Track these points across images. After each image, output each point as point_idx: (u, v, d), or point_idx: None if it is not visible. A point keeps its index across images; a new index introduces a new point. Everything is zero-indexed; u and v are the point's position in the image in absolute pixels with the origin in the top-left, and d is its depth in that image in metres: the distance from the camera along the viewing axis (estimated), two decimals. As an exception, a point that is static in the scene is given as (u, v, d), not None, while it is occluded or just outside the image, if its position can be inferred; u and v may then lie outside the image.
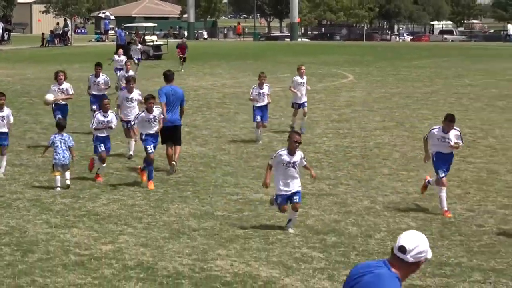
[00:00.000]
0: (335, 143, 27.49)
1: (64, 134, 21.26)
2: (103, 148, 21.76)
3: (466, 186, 21.09)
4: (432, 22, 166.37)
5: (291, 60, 69.91)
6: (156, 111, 21.48)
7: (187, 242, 15.61)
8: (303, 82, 30.02)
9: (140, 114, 21.75)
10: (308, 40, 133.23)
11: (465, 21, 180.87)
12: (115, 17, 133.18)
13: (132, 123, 22.30)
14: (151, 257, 14.71)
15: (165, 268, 13.94)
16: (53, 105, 27.43)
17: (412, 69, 62.10)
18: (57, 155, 20.62)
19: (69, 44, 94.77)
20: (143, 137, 21.20)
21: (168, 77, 23.39)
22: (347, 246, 15.19)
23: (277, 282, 13.59)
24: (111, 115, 22.39)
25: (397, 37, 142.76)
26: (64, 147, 20.84)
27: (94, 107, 28.02)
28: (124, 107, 24.63)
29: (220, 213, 18.09)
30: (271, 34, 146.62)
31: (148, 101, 21.40)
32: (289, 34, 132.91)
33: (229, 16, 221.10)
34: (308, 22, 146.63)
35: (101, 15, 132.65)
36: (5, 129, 22.28)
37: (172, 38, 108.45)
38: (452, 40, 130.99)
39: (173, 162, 21.71)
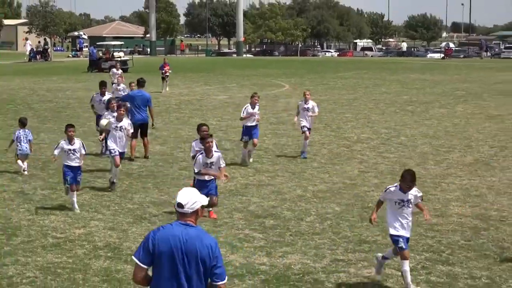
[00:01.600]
0: (273, 142, 27.56)
1: (26, 130, 21.98)
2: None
3: (382, 176, 21.22)
4: (355, 41, 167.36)
5: (237, 73, 70.68)
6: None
7: (148, 226, 15.48)
8: (308, 107, 24.49)
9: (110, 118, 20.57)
10: (252, 55, 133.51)
11: (382, 40, 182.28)
12: (88, 36, 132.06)
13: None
14: (117, 239, 14.69)
15: (129, 248, 13.81)
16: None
17: (338, 79, 62.41)
18: (20, 147, 21.51)
19: (49, 60, 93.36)
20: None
21: (140, 83, 25.75)
22: (282, 228, 15.18)
23: (223, 259, 13.55)
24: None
25: (326, 53, 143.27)
26: (25, 141, 21.63)
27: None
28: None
29: (176, 201, 18.09)
30: (221, 51, 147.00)
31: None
32: (235, 51, 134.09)
33: (185, 35, 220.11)
34: (252, 40, 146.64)
35: (76, 34, 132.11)
36: (77, 163, 17.44)
37: (137, 54, 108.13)
38: (371, 56, 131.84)
39: (147, 156, 24.14)
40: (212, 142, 15.98)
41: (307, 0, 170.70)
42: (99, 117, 23.48)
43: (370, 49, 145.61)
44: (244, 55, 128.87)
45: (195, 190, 7.50)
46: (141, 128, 24.35)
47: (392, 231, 11.95)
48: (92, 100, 25.80)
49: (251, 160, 23.38)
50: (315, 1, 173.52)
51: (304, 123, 24.29)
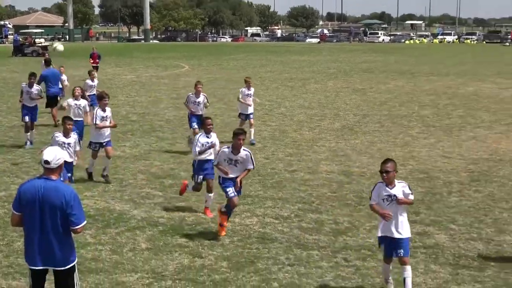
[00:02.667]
0: (173, 114, 27.26)
1: None
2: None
3: (264, 141, 21.32)
4: (246, 28, 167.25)
5: (144, 56, 69.91)
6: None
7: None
8: (250, 94, 21.76)
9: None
10: (158, 41, 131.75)
11: (269, 27, 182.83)
12: (13, 25, 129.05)
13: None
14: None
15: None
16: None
17: (230, 61, 62.30)
18: None
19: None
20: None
21: (47, 62, 26.40)
22: (178, 186, 15.07)
23: (127, 213, 13.44)
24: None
25: (221, 39, 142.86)
26: None
27: (26, 118, 20.34)
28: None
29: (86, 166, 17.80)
30: (131, 38, 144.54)
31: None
32: (143, 37, 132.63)
33: (100, 24, 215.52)
34: (158, 28, 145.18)
35: (2, 23, 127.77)
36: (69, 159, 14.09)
37: (57, 40, 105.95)
38: (259, 41, 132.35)
39: (56, 124, 22.78)
40: (244, 140, 12.13)
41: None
42: (25, 108, 20.58)
43: (258, 35, 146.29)
44: (151, 41, 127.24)
45: (58, 149, 8.11)
46: (53, 100, 24.42)
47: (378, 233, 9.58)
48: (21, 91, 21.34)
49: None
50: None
51: (250, 110, 21.45)
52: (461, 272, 10.31)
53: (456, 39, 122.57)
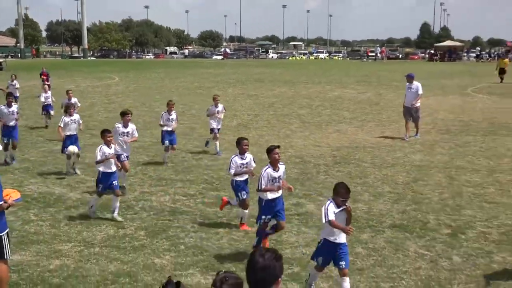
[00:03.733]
0: (105, 116, 26.61)
1: None
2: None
3: (178, 136, 21.11)
4: (165, 47, 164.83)
5: (83, 69, 67.84)
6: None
7: (10, 177, 14.67)
8: (218, 110, 18.25)
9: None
10: (94, 58, 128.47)
11: (183, 47, 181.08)
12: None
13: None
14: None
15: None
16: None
17: (152, 73, 61.46)
18: None
19: None
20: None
21: None
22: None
23: (65, 196, 13.02)
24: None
25: (146, 56, 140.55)
26: None
27: (5, 140, 16.36)
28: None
29: (34, 158, 17.15)
30: (72, 55, 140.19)
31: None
32: (82, 55, 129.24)
33: (47, 44, 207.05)
34: (94, 47, 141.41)
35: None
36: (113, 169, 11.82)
37: (10, 57, 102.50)
38: (176, 57, 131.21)
39: None
40: (279, 153, 9.35)
41: (132, 20, 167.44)
42: (7, 128, 16.35)
43: (175, 53, 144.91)
44: (89, 58, 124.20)
45: None
46: None
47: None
48: None
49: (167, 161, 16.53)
50: (137, 21, 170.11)
51: (214, 125, 18.15)
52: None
53: (327, 56, 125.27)
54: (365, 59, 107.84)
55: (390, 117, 26.05)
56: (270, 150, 9.21)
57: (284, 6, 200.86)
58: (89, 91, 40.32)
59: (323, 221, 7.64)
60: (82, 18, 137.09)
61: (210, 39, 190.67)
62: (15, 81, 29.35)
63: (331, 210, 7.59)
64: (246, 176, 10.83)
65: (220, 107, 18.29)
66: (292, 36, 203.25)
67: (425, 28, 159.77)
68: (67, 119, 15.52)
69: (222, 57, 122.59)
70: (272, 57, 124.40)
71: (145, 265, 9.06)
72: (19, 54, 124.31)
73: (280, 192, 9.40)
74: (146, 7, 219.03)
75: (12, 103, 16.79)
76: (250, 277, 4.51)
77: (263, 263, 4.48)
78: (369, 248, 9.83)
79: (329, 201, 7.71)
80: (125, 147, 13.70)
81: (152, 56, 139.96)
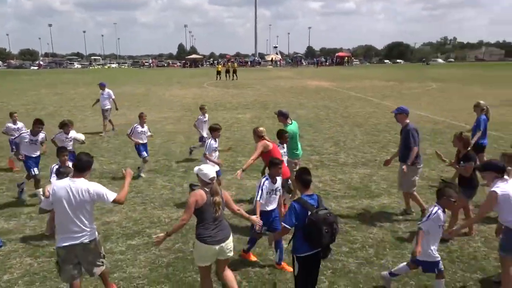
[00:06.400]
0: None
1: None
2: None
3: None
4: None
5: None
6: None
7: None
8: (206, 120, 11.91)
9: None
10: None
11: (7, 60, 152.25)
12: None
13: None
14: None
15: None
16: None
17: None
18: None
19: None
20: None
21: None
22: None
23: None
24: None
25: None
26: None
27: (36, 170, 8.61)
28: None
29: None
30: None
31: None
32: None
33: None
34: None
35: None
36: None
37: None
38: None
39: None
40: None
41: None
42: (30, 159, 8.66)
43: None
44: None
45: None
46: None
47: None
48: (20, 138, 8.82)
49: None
50: None
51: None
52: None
53: (117, 66, 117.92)
54: (142, 67, 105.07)
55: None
56: (274, 164, 5.64)
57: (84, 32, 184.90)
58: None
59: None
60: None
61: (29, 54, 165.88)
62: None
63: None
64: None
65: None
66: (93, 52, 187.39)
67: (181, 47, 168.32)
68: None
69: (37, 67, 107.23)
70: (77, 67, 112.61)
71: None
72: None
73: (276, 203, 5.83)
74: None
75: (40, 132, 8.88)
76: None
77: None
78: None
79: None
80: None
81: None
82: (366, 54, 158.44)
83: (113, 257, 6.29)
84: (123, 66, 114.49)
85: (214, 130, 8.22)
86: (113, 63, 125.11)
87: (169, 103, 25.61)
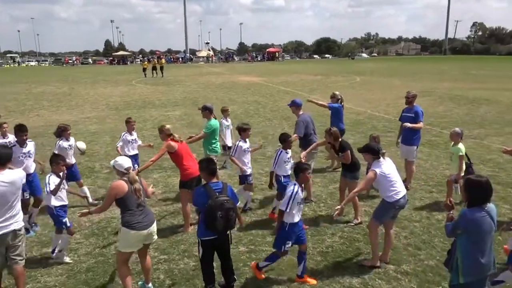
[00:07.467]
0: None
1: None
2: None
3: None
4: None
5: None
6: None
7: None
8: (229, 125, 10.03)
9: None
10: None
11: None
12: None
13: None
14: None
15: None
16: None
17: None
18: None
19: None
20: None
21: None
22: None
23: None
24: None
25: None
26: None
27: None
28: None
29: None
30: None
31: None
32: None
33: None
34: None
35: None
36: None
37: None
38: None
39: None
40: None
41: None
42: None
43: None
44: None
45: None
46: None
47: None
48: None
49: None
50: None
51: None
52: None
53: (37, 63, 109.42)
54: (65, 65, 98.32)
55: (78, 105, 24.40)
56: (303, 170, 5.12)
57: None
58: None
59: None
60: None
61: (15, 54, 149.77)
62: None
63: None
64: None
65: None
66: (8, 50, 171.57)
67: (107, 43, 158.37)
68: None
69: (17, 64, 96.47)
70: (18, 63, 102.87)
71: None
72: None
73: (300, 214, 5.19)
74: None
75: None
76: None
77: None
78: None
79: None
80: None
81: None
82: (297, 49, 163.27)
83: (27, 266, 5.86)
84: (43, 64, 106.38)
85: (243, 131, 7.23)
86: (32, 61, 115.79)
87: (93, 102, 24.50)
